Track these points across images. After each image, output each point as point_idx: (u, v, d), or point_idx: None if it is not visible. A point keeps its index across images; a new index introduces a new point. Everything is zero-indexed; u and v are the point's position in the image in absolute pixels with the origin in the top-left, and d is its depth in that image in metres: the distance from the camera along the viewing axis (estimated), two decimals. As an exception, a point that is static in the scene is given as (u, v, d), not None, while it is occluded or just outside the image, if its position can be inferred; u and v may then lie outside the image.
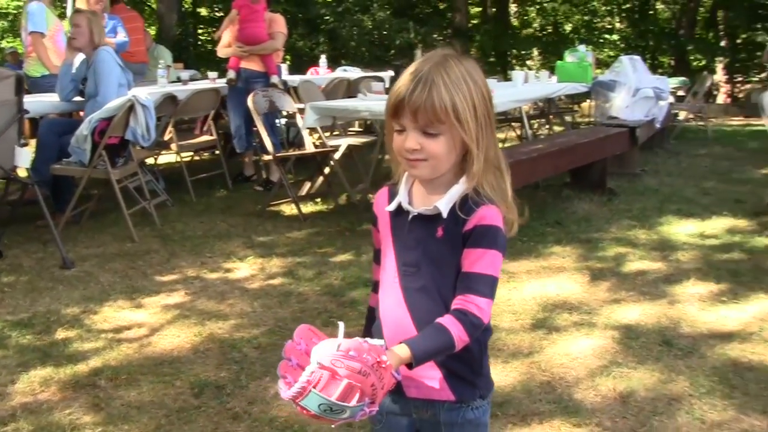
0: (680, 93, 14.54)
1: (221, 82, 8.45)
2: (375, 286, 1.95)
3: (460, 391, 1.79)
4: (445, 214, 1.71)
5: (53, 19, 7.59)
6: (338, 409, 1.48)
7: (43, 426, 3.18)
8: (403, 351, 1.61)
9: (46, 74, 7.43)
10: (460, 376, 1.79)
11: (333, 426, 1.56)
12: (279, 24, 8.19)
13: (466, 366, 1.79)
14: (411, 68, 1.69)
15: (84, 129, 5.82)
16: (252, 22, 7.94)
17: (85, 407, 3.34)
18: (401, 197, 1.79)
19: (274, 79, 7.93)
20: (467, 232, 1.70)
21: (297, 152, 7.60)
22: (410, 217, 1.78)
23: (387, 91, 7.61)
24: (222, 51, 8.36)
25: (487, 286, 1.69)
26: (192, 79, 9.56)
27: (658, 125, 9.52)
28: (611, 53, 22.91)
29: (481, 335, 1.74)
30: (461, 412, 1.81)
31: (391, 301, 1.80)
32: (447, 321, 1.65)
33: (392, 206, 1.81)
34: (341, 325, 1.59)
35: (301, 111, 7.38)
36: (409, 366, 1.63)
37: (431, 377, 1.77)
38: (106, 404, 3.37)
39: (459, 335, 1.64)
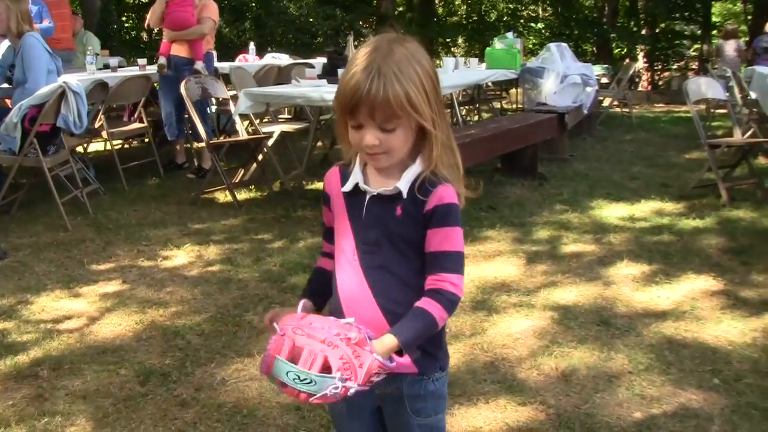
0: (604, 80, 14.82)
1: (151, 69, 8.32)
2: (324, 254, 1.98)
3: (423, 364, 1.83)
4: (405, 194, 1.74)
5: (-26, 6, 7.38)
6: (306, 378, 1.51)
7: (-14, 417, 3.13)
8: (390, 340, 1.66)
9: (-30, 62, 7.23)
10: (423, 350, 1.82)
11: (310, 401, 1.58)
12: (209, 10, 8.07)
13: (428, 340, 1.82)
14: (360, 63, 1.66)
15: (14, 116, 5.69)
16: (180, 6, 7.83)
17: (28, 398, 3.29)
18: (357, 178, 1.81)
19: (198, 65, 7.80)
20: (428, 212, 1.73)
21: (232, 139, 7.54)
22: (368, 197, 1.79)
23: (319, 77, 7.60)
24: (153, 21, 8.15)
25: (456, 262, 1.74)
26: (120, 66, 9.39)
27: (585, 111, 9.69)
28: (535, 41, 23.20)
29: None
30: (423, 384, 1.86)
31: (351, 280, 1.82)
32: (425, 303, 1.71)
33: (348, 187, 1.82)
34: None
35: (234, 98, 7.32)
36: (399, 353, 1.68)
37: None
38: (51, 395, 3.32)
39: (439, 314, 1.70)
